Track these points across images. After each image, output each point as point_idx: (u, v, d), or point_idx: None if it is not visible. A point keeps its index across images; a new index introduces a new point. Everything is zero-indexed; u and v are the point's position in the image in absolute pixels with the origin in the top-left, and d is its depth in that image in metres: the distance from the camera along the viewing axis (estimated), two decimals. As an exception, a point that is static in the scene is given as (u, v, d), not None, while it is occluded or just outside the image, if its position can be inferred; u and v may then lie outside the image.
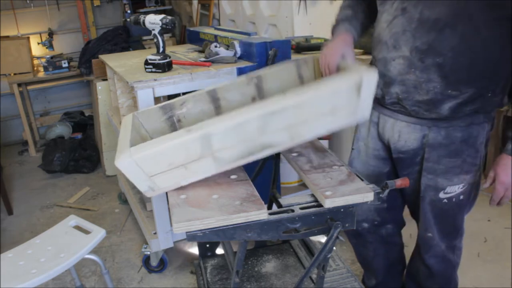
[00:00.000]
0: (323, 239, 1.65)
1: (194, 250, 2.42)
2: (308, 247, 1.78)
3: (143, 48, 3.92)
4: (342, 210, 1.13)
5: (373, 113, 1.50)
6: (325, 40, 2.36)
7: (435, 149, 1.35)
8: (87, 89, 4.48)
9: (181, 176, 1.13)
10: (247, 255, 1.81)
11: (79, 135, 3.88)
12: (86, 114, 4.36)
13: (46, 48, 4.08)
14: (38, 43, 4.18)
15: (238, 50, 2.10)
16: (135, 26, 2.05)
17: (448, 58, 1.21)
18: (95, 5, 4.63)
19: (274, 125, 1.08)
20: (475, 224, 2.48)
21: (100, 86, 3.22)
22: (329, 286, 1.69)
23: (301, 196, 1.18)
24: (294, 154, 1.34)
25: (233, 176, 1.22)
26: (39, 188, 3.38)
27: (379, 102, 1.44)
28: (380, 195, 1.17)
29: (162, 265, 2.26)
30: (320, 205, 1.12)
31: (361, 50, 2.20)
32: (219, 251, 1.92)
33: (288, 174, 2.64)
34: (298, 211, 1.11)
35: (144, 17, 1.96)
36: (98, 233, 1.71)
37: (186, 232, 1.03)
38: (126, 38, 3.78)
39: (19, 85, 3.92)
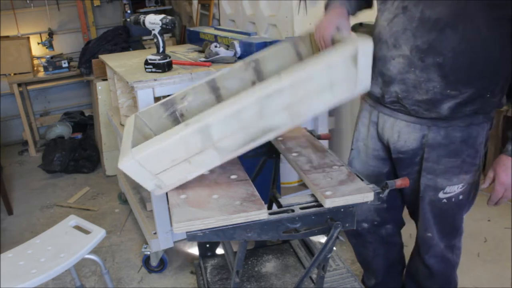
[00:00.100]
0: (323, 239, 1.65)
1: (194, 250, 2.42)
2: (308, 247, 1.78)
3: (143, 48, 3.92)
4: (342, 210, 1.13)
5: (372, 113, 1.50)
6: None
7: (434, 149, 1.35)
8: (87, 89, 4.48)
9: (186, 171, 1.13)
10: (247, 255, 1.81)
11: (79, 135, 3.88)
12: (86, 114, 4.36)
13: (46, 48, 4.08)
14: (38, 43, 4.18)
15: (238, 50, 2.10)
16: (135, 26, 2.05)
17: (448, 58, 1.21)
18: (95, 5, 4.62)
19: (272, 107, 1.06)
20: (475, 224, 2.48)
21: (100, 86, 3.22)
22: (329, 286, 1.69)
23: (301, 196, 1.18)
24: (294, 154, 1.34)
25: (233, 176, 1.22)
26: (39, 188, 3.38)
27: (378, 101, 1.44)
28: (380, 195, 1.17)
29: (162, 265, 2.26)
30: (320, 205, 1.12)
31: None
32: (219, 251, 1.92)
33: (288, 174, 2.64)
34: (298, 211, 1.11)
35: (144, 17, 1.97)
36: (98, 233, 1.71)
37: (186, 232, 1.03)
38: (126, 38, 3.78)
39: (19, 85, 3.92)
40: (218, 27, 2.83)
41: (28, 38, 4.05)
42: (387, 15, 1.30)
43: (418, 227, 1.55)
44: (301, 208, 1.12)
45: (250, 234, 1.08)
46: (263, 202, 1.08)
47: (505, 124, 2.71)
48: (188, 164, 1.11)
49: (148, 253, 2.21)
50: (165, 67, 1.94)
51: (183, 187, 1.16)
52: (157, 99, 1.96)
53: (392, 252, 1.74)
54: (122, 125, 2.38)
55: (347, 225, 1.15)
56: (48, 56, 3.91)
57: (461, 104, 1.26)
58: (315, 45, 1.44)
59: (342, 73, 1.07)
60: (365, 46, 1.07)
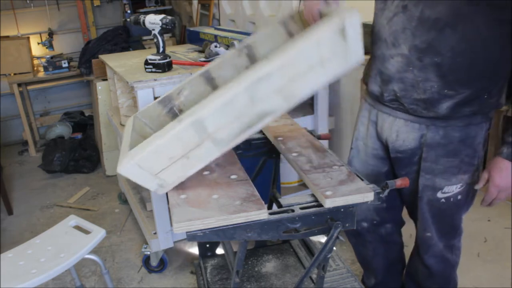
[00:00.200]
0: (323, 239, 1.65)
1: (194, 250, 2.42)
2: (308, 247, 1.78)
3: (143, 48, 3.92)
4: (342, 210, 1.13)
5: (371, 112, 1.51)
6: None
7: (433, 149, 1.35)
8: (87, 89, 4.48)
9: (186, 167, 1.12)
10: (247, 255, 1.81)
11: (79, 135, 3.88)
12: (86, 114, 4.36)
13: (46, 48, 4.08)
14: (38, 43, 4.18)
15: (238, 50, 2.10)
16: (135, 26, 2.05)
17: (447, 58, 1.21)
18: (95, 5, 4.63)
19: (264, 92, 1.04)
20: (475, 224, 2.48)
21: (100, 86, 3.22)
22: (329, 286, 1.69)
23: (301, 196, 1.18)
24: (294, 154, 1.34)
25: (233, 176, 1.22)
26: (39, 188, 3.38)
27: (377, 99, 1.44)
28: (380, 195, 1.17)
29: (162, 265, 2.26)
30: (320, 205, 1.12)
31: (361, 50, 2.20)
32: (219, 251, 1.92)
33: (288, 174, 2.64)
34: (298, 211, 1.11)
35: (144, 17, 1.97)
36: (98, 233, 1.71)
37: (186, 232, 1.03)
38: (126, 38, 3.78)
39: (19, 85, 3.92)
40: (218, 27, 2.83)
41: (28, 38, 4.05)
42: (387, 14, 1.30)
43: (417, 227, 1.55)
44: (301, 208, 1.12)
45: (250, 234, 1.08)
46: (263, 202, 1.08)
47: (505, 124, 2.71)
48: (186, 160, 1.10)
49: (148, 253, 2.21)
50: (165, 67, 1.94)
51: (183, 187, 1.16)
52: (157, 99, 1.96)
53: (391, 252, 1.74)
54: (122, 125, 2.38)
55: (347, 225, 1.15)
56: (48, 56, 3.91)
57: (458, 105, 1.26)
58: (305, 22, 1.40)
59: (332, 48, 1.04)
60: (352, 18, 1.03)
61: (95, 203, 3.07)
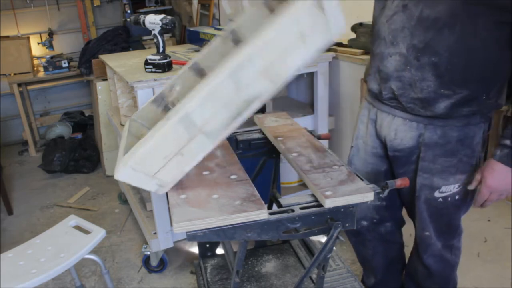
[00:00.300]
0: (323, 239, 1.65)
1: (194, 250, 2.42)
2: (308, 247, 1.78)
3: (143, 48, 3.92)
4: (342, 210, 1.13)
5: (371, 110, 1.51)
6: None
7: (430, 148, 1.35)
8: (87, 89, 4.48)
9: (182, 164, 1.11)
10: (247, 255, 1.81)
11: (79, 135, 3.88)
12: (86, 114, 4.37)
13: (46, 48, 4.08)
14: (38, 43, 4.18)
15: (238, 50, 2.10)
16: (135, 26, 2.05)
17: (444, 58, 1.21)
18: (95, 5, 4.63)
19: (247, 77, 1.02)
20: (475, 224, 2.48)
21: (100, 86, 3.22)
22: (329, 286, 1.69)
23: (301, 196, 1.18)
24: (294, 154, 1.34)
25: (233, 176, 1.22)
26: (39, 188, 3.38)
27: (377, 97, 1.44)
28: (380, 195, 1.17)
29: (162, 265, 2.26)
30: (320, 205, 1.12)
31: (361, 50, 2.20)
32: (219, 251, 1.92)
33: (288, 174, 2.64)
34: (298, 211, 1.11)
35: (144, 17, 1.97)
36: (98, 233, 1.71)
37: (186, 232, 1.03)
38: (126, 38, 3.78)
39: (19, 85, 3.92)
40: (218, 27, 2.83)
41: (28, 38, 4.06)
42: (387, 13, 1.31)
43: (416, 227, 1.55)
44: (301, 208, 1.12)
45: (250, 234, 1.08)
46: (263, 202, 1.08)
47: (505, 124, 2.71)
48: (181, 157, 1.09)
49: (148, 253, 2.21)
50: (165, 67, 1.94)
51: (183, 187, 1.16)
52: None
53: (391, 250, 1.74)
54: (122, 125, 2.38)
55: (347, 225, 1.15)
56: (48, 56, 3.91)
57: (456, 105, 1.26)
58: None
59: (310, 22, 1.01)
60: None
61: (95, 203, 3.07)
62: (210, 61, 1.39)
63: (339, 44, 2.37)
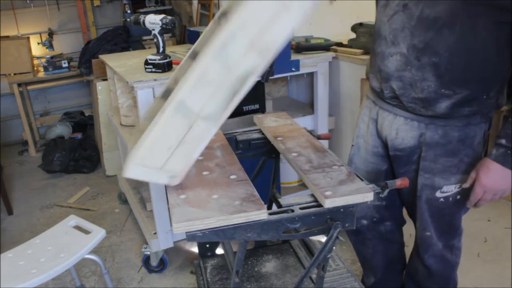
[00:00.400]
0: (323, 239, 1.65)
1: (194, 250, 2.42)
2: (308, 247, 1.78)
3: (143, 48, 3.92)
4: (342, 210, 1.13)
5: (372, 110, 1.51)
6: (325, 40, 2.36)
7: (432, 148, 1.35)
8: (87, 89, 4.48)
9: (188, 152, 1.10)
10: (247, 255, 1.81)
11: (79, 135, 3.88)
12: (86, 114, 4.36)
13: (46, 48, 4.08)
14: (38, 43, 4.18)
15: (238, 50, 2.10)
16: (135, 26, 2.05)
17: (444, 58, 1.21)
18: (95, 5, 4.62)
19: (235, 55, 1.00)
20: (475, 224, 2.48)
21: (100, 86, 3.22)
22: (329, 286, 1.69)
23: (301, 196, 1.18)
24: (294, 154, 1.34)
25: (232, 176, 1.22)
26: (39, 188, 3.38)
27: (379, 95, 1.44)
28: (380, 195, 1.17)
29: (162, 265, 2.26)
30: (320, 205, 1.12)
31: (361, 50, 2.20)
32: (219, 251, 1.92)
33: (288, 174, 2.64)
34: (298, 211, 1.11)
35: (144, 17, 1.97)
36: (98, 233, 1.71)
37: (186, 232, 1.03)
38: (126, 38, 3.78)
39: (19, 85, 3.92)
40: (218, 27, 2.82)
41: (28, 38, 4.05)
42: (388, 12, 1.30)
43: (417, 227, 1.55)
44: (301, 208, 1.12)
45: (250, 234, 1.08)
46: (263, 202, 1.08)
47: (503, 124, 2.71)
48: (186, 145, 1.08)
49: (148, 253, 2.21)
50: (165, 67, 1.94)
51: (182, 187, 1.16)
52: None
53: (391, 250, 1.74)
54: (122, 125, 2.38)
55: (347, 225, 1.15)
56: (48, 56, 3.91)
57: (457, 104, 1.26)
58: None
59: None
60: None
61: (95, 203, 3.07)
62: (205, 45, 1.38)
63: (339, 44, 2.37)
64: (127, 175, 1.09)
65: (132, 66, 2.16)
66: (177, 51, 2.47)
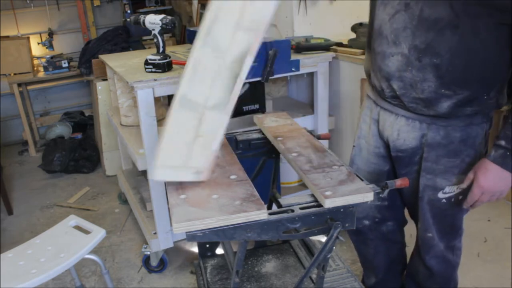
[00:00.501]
0: (323, 239, 1.65)
1: (194, 250, 2.42)
2: (308, 247, 1.78)
3: (143, 48, 3.92)
4: (342, 210, 1.13)
5: (373, 110, 1.51)
6: (325, 40, 2.36)
7: (433, 149, 1.35)
8: (87, 89, 4.48)
9: (206, 144, 1.10)
10: (247, 255, 1.81)
11: (79, 135, 3.88)
12: (86, 114, 4.36)
13: (46, 48, 4.08)
14: (38, 43, 4.18)
15: (238, 50, 2.10)
16: (135, 26, 2.05)
17: (446, 60, 1.20)
18: (95, 5, 4.62)
19: (224, 38, 0.99)
20: (475, 224, 2.48)
21: (100, 86, 3.22)
22: (329, 286, 1.69)
23: (301, 196, 1.18)
24: (294, 154, 1.34)
25: (233, 176, 1.22)
26: (39, 188, 3.38)
27: (379, 94, 1.44)
28: (380, 195, 1.17)
29: (162, 265, 2.26)
30: (320, 205, 1.12)
31: (361, 50, 2.20)
32: (219, 251, 1.92)
33: (288, 174, 2.64)
34: (298, 211, 1.11)
35: (144, 17, 1.97)
36: (98, 233, 1.71)
37: (186, 232, 1.03)
38: (126, 38, 3.78)
39: (19, 85, 3.92)
40: (218, 27, 2.83)
41: (28, 38, 4.05)
42: (389, 10, 1.29)
43: (418, 228, 1.55)
44: (301, 208, 1.12)
45: (250, 234, 1.08)
46: (263, 202, 1.08)
47: (502, 124, 2.71)
48: (202, 138, 1.08)
49: (148, 253, 2.21)
50: (165, 67, 1.94)
51: (182, 187, 1.16)
52: (157, 99, 1.95)
53: (393, 250, 1.74)
54: (122, 125, 2.38)
55: (347, 225, 1.15)
56: (48, 56, 3.91)
57: (458, 104, 1.26)
58: None
59: None
60: None
61: (95, 203, 3.07)
62: None
63: (339, 44, 2.37)
64: (154, 178, 1.10)
65: (132, 66, 2.16)
66: (177, 51, 2.47)
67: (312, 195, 1.17)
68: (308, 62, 2.25)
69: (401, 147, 1.41)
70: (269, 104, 2.53)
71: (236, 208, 1.06)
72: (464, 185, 1.33)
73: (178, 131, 1.06)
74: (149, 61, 1.95)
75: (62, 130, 4.06)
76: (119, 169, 3.04)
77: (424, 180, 1.40)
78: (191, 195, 1.13)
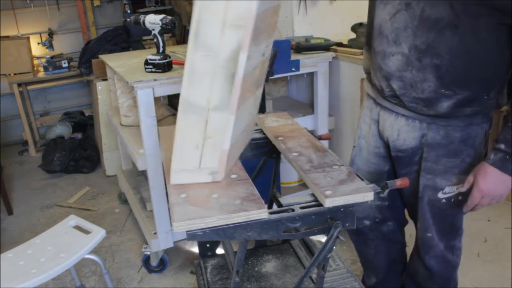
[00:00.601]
0: (323, 239, 1.65)
1: (194, 250, 2.42)
2: (308, 247, 1.78)
3: (143, 48, 3.92)
4: (342, 209, 1.13)
5: (373, 110, 1.51)
6: (325, 40, 2.36)
7: (433, 149, 1.35)
8: (87, 89, 4.48)
9: (217, 145, 1.11)
10: (247, 255, 1.81)
11: (79, 135, 3.88)
12: (86, 114, 4.36)
13: (46, 48, 4.08)
14: (38, 43, 4.18)
15: (238, 50, 2.10)
16: (135, 26, 2.05)
17: (446, 60, 1.20)
18: (95, 5, 4.62)
19: (213, 38, 0.99)
20: (475, 224, 2.48)
21: (100, 86, 3.22)
22: (329, 286, 1.69)
23: (301, 196, 1.18)
24: (295, 154, 1.34)
25: (233, 176, 1.22)
26: (39, 188, 3.38)
27: (379, 93, 1.44)
28: (380, 195, 1.17)
29: (162, 265, 2.26)
30: (320, 205, 1.12)
31: (361, 50, 2.20)
32: (219, 251, 1.92)
33: (288, 174, 2.64)
34: (298, 211, 1.11)
35: (144, 17, 1.97)
36: (98, 233, 1.71)
37: (186, 231, 1.03)
38: (126, 38, 3.78)
39: (19, 85, 3.92)
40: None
41: (28, 38, 4.05)
42: (389, 9, 1.29)
43: (418, 228, 1.54)
44: (301, 208, 1.12)
45: (251, 233, 1.08)
46: (263, 201, 1.08)
47: (502, 126, 2.71)
48: (211, 140, 1.10)
49: (148, 253, 2.21)
50: (165, 67, 1.94)
51: (183, 186, 1.16)
52: (157, 99, 1.95)
53: (393, 250, 1.74)
54: (122, 125, 2.38)
55: (347, 224, 1.15)
56: (48, 56, 3.91)
57: (458, 105, 1.26)
58: None
59: None
60: None
61: (95, 203, 3.07)
62: None
63: (339, 44, 2.37)
64: (173, 182, 1.15)
65: (132, 66, 2.16)
66: (177, 51, 2.47)
67: (313, 195, 1.17)
68: (308, 62, 2.26)
69: (401, 147, 1.41)
70: (269, 104, 2.53)
71: (237, 207, 1.06)
72: (464, 189, 1.32)
73: (187, 135, 1.09)
74: (149, 61, 1.95)
75: (62, 130, 4.06)
76: (119, 169, 3.05)
77: (424, 180, 1.40)
78: (191, 194, 1.13)
